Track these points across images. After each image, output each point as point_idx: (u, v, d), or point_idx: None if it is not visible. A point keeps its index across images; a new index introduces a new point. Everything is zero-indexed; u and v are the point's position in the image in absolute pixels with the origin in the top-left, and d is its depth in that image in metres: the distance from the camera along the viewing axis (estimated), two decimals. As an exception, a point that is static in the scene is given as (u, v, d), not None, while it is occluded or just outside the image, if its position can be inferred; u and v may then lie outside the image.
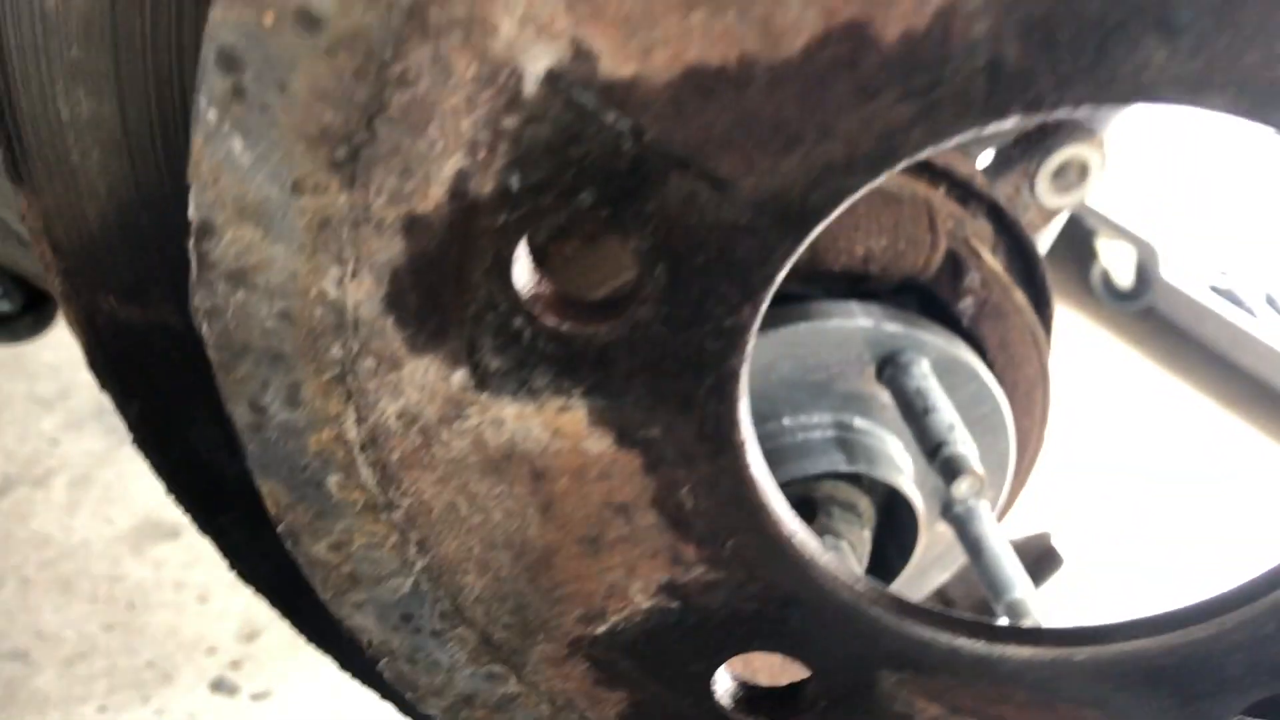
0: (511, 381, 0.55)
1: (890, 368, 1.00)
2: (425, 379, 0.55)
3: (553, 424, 0.55)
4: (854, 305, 1.00)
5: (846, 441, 1.04)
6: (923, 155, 0.46)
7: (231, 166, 0.50)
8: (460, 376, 0.55)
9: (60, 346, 3.01)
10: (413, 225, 0.50)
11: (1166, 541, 2.61)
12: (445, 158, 0.48)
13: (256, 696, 2.41)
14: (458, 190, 0.49)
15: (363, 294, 0.52)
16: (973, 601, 1.35)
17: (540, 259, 0.54)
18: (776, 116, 0.46)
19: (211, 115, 0.49)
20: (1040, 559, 1.25)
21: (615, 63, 0.45)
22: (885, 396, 1.03)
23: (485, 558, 0.60)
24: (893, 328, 0.99)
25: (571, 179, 0.48)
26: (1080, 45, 0.42)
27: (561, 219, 0.49)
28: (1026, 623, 0.89)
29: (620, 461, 0.56)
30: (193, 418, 0.80)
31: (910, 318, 1.02)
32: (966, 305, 1.05)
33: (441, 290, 0.52)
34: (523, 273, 0.52)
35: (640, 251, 0.50)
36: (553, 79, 0.46)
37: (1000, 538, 0.97)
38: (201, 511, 0.85)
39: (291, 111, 0.48)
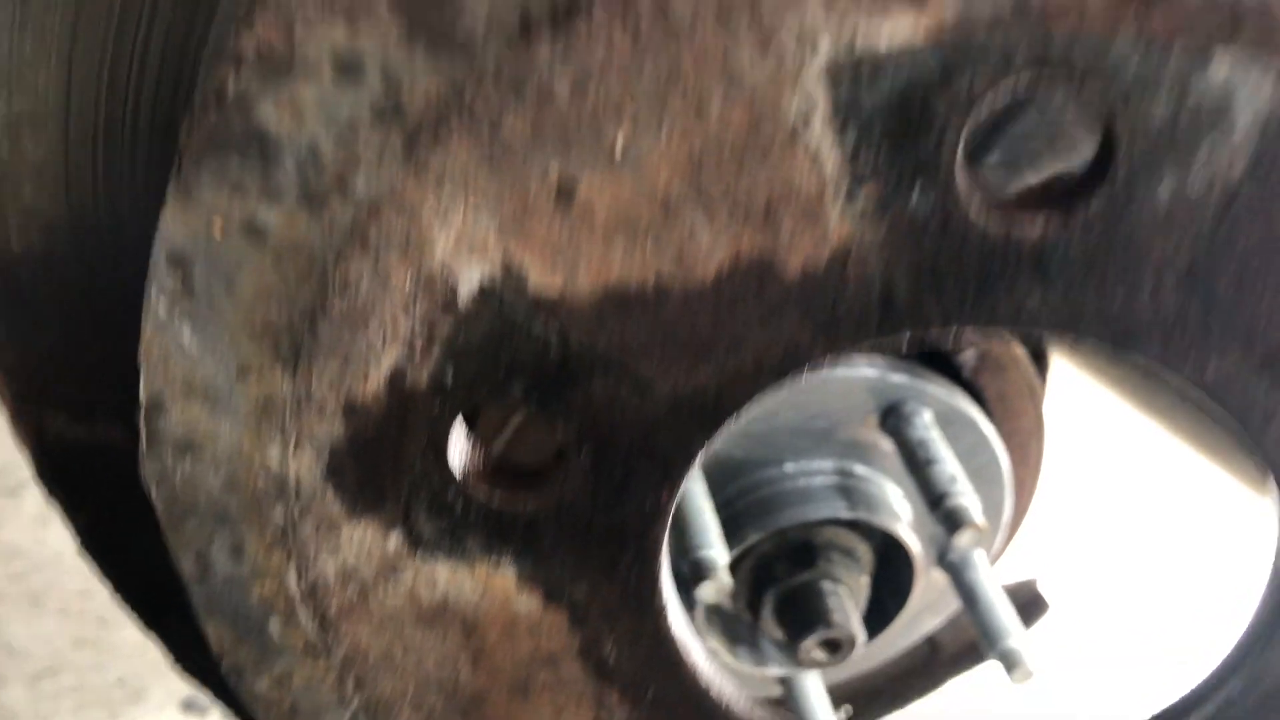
0: (444, 544, 0.58)
1: (893, 418, 1.02)
2: (362, 541, 0.58)
3: (484, 583, 0.59)
4: (857, 355, 1.02)
5: (848, 488, 1.06)
6: (825, 363, 0.50)
7: (180, 352, 0.53)
8: (396, 539, 0.58)
9: None
10: (352, 409, 0.53)
11: (1151, 587, 2.63)
12: (383, 353, 0.52)
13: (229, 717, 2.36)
14: (395, 381, 0.52)
15: (304, 466, 0.56)
16: (961, 646, 1.38)
17: (473, 423, 0.58)
18: (690, 331, 0.49)
19: (162, 307, 0.52)
20: (1027, 605, 1.28)
21: (543, 280, 0.49)
22: (886, 444, 1.05)
23: (419, 698, 0.63)
24: (897, 378, 1.01)
25: (502, 375, 0.52)
26: (964, 285, 0.46)
27: (493, 408, 0.53)
28: (1019, 671, 0.92)
29: (548, 618, 0.59)
30: (138, 528, 0.82)
31: (913, 368, 1.05)
32: (967, 357, 1.07)
33: (379, 465, 0.55)
34: (456, 453, 0.55)
35: (566, 437, 0.53)
36: (485, 291, 0.49)
37: (995, 585, 0.99)
38: (146, 613, 0.88)
39: (237, 307, 0.51)
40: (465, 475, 0.56)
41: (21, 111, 0.65)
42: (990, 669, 0.97)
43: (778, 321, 0.49)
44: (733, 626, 1.06)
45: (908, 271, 0.46)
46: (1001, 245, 0.45)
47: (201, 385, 0.53)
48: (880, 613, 1.13)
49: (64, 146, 0.67)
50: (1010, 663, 0.92)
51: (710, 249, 0.47)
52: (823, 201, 0.45)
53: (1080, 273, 0.46)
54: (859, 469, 1.07)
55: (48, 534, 2.59)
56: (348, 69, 0.44)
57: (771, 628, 1.02)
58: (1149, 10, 0.40)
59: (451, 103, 0.45)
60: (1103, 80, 0.42)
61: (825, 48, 0.42)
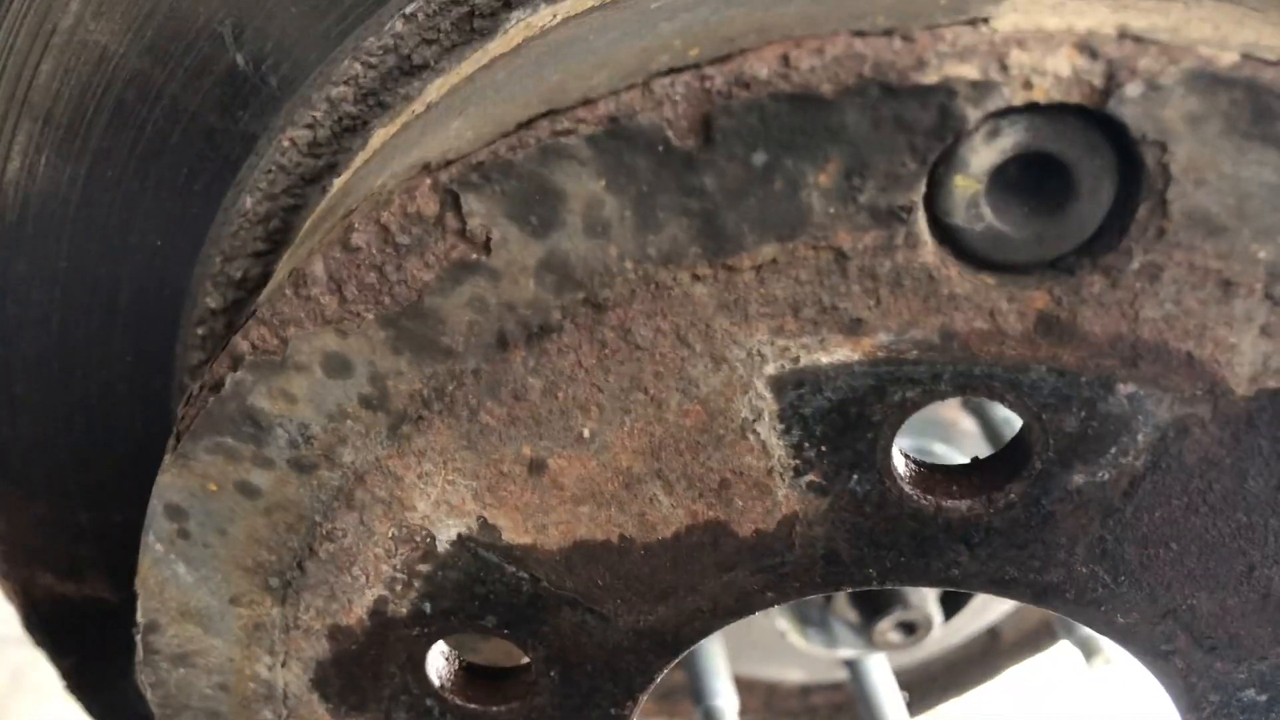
0: (423, 741, 0.62)
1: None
2: (347, 738, 0.62)
3: (460, 775, 0.63)
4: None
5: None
6: (774, 607, 0.54)
7: (176, 583, 0.56)
8: (378, 736, 0.62)
9: None
10: (336, 632, 0.57)
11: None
12: (366, 589, 0.56)
13: None
14: (377, 611, 0.56)
15: (291, 677, 0.59)
16: (1021, 635, 1.39)
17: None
18: (651, 577, 0.54)
19: (159, 548, 0.55)
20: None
21: (516, 534, 0.53)
22: (967, 423, 1.06)
23: None
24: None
25: (477, 607, 0.56)
26: (900, 550, 0.51)
27: (469, 633, 0.57)
28: (1098, 659, 0.90)
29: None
30: (124, 670, 0.85)
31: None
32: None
33: (361, 677, 0.59)
34: (433, 667, 0.59)
35: (537, 658, 0.58)
36: (461, 541, 0.53)
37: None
38: None
39: (230, 549, 0.55)
40: (442, 684, 0.60)
41: (14, 316, 0.68)
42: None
43: (731, 573, 0.53)
44: (803, 607, 1.06)
45: (849, 536, 0.51)
46: (932, 519, 0.50)
47: (195, 610, 0.57)
48: (955, 596, 1.13)
49: (61, 343, 0.70)
50: (1089, 650, 0.93)
51: (669, 514, 0.51)
52: (771, 480, 0.50)
53: (1002, 543, 0.51)
54: (938, 448, 1.08)
55: None
56: (337, 368, 0.48)
57: (845, 609, 1.02)
58: (1059, 346, 0.45)
59: (433, 397, 0.49)
60: (1020, 396, 0.46)
61: (771, 363, 0.46)
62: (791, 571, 0.53)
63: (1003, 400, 0.47)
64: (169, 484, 0.53)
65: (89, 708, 0.87)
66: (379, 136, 0.60)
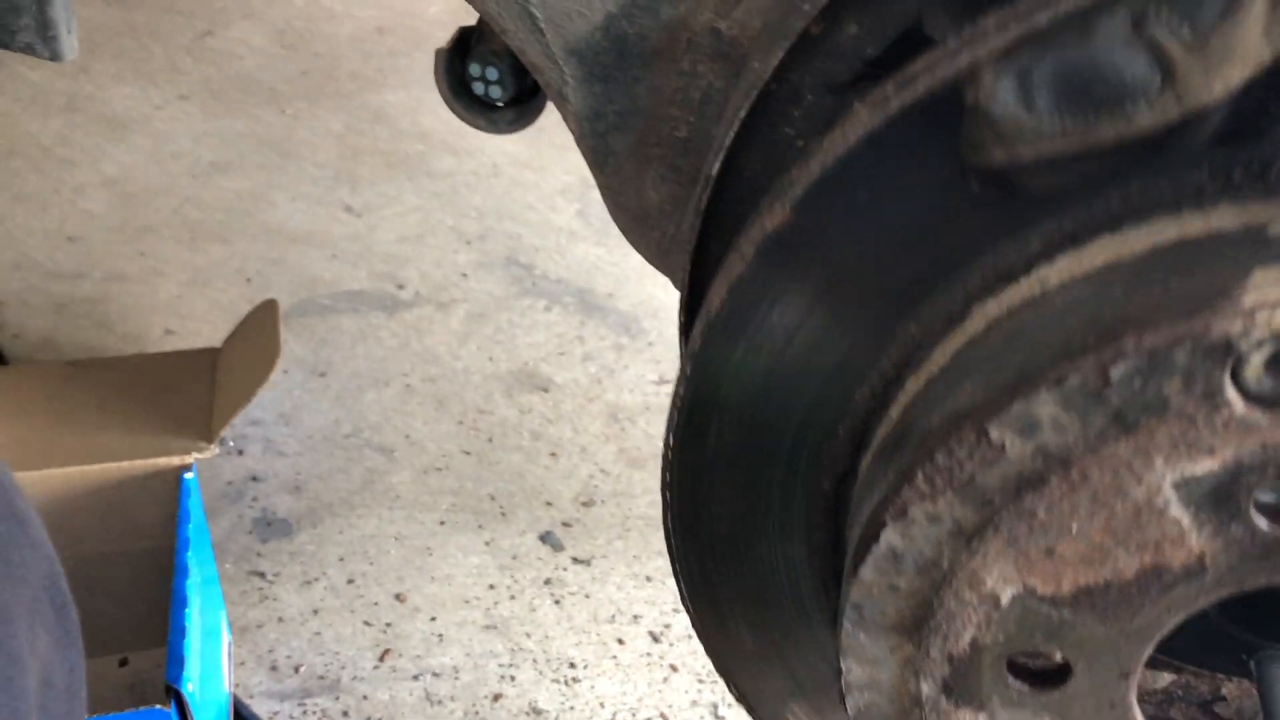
0: None
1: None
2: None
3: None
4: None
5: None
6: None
7: (860, 643, 1.05)
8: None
9: (489, 194, 3.50)
10: (951, 658, 1.04)
11: None
12: (965, 631, 1.01)
13: (577, 560, 2.50)
14: (975, 638, 1.02)
15: (928, 688, 1.06)
16: None
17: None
18: (1126, 601, 0.95)
19: (848, 626, 1.04)
20: None
21: (1044, 589, 0.97)
22: None
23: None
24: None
25: (1028, 636, 1.00)
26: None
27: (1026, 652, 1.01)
28: None
29: None
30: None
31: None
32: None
33: (969, 681, 1.05)
34: (1007, 670, 1.04)
35: (1066, 657, 1.01)
36: (1014, 598, 0.98)
37: None
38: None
39: (886, 621, 1.03)
40: (1013, 680, 1.04)
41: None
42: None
43: (1170, 592, 0.94)
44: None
45: (1238, 558, 0.90)
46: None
47: (872, 657, 1.06)
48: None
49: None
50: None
51: (1127, 564, 0.94)
52: (1186, 535, 0.91)
53: None
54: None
55: (463, 350, 2.92)
56: (934, 519, 0.95)
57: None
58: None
59: (985, 524, 0.94)
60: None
61: (1171, 475, 0.88)
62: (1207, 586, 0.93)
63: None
64: (848, 593, 1.02)
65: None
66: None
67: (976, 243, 0.96)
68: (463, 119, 1.52)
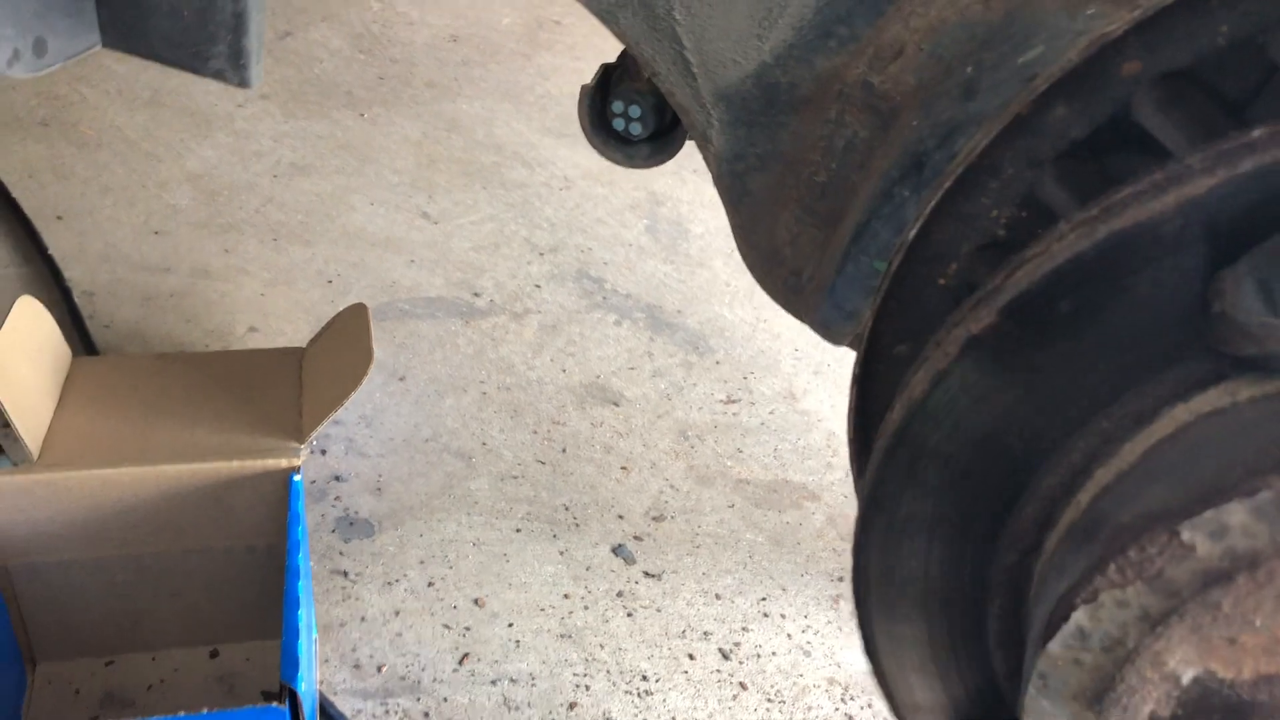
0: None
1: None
2: None
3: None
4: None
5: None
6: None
7: (1042, 708, 1.12)
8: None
9: (561, 206, 3.53)
10: (1121, 728, 1.11)
11: None
12: (1144, 705, 1.08)
13: (649, 574, 2.52)
14: (1154, 712, 1.09)
15: (1093, 753, 1.13)
16: None
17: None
18: (1303, 688, 1.03)
19: (1031, 693, 1.11)
20: None
21: (1223, 673, 1.04)
22: None
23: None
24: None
25: (1206, 713, 1.07)
26: None
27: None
28: None
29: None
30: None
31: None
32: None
33: (1133, 751, 1.12)
34: (1174, 742, 1.11)
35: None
36: (1195, 679, 1.05)
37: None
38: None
39: (1069, 690, 1.10)
40: (1179, 752, 1.11)
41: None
42: None
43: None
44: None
45: None
46: None
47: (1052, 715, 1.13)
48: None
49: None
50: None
51: None
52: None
53: None
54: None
55: (537, 360, 2.94)
56: (1123, 605, 1.02)
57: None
58: None
59: (1171, 612, 1.01)
60: None
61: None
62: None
63: None
64: (1035, 663, 1.09)
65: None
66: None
67: (1173, 356, 1.03)
68: (600, 152, 1.57)
